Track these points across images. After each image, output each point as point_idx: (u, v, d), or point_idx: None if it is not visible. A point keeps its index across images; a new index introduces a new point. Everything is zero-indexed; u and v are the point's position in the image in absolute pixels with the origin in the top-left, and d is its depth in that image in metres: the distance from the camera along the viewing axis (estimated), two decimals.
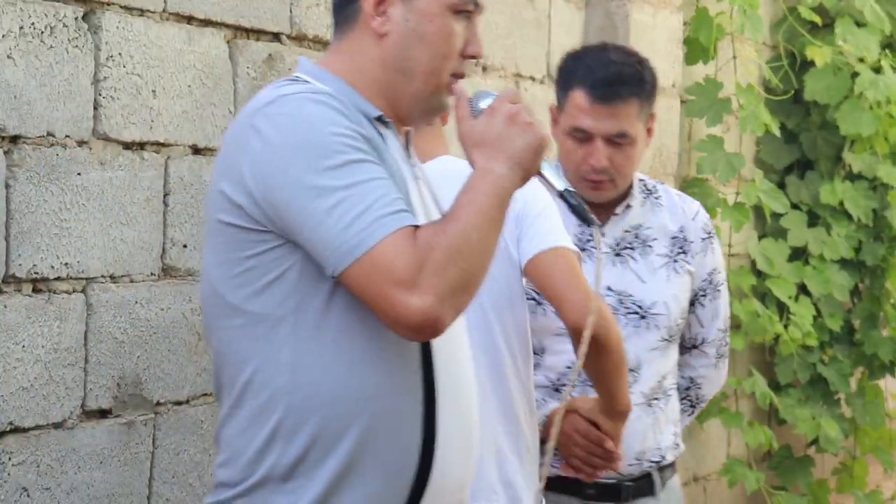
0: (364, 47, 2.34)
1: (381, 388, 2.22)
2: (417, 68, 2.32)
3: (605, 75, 3.25)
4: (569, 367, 3.24)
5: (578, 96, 3.26)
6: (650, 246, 3.38)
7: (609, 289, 3.32)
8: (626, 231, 3.38)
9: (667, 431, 3.38)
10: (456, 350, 2.33)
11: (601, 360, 3.05)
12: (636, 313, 3.33)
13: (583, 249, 3.23)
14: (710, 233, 3.48)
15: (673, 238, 3.42)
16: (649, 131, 3.42)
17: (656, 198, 3.46)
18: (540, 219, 3.12)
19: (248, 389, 2.24)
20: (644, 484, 3.35)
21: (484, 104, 2.31)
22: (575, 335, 2.97)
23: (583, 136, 3.27)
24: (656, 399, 3.34)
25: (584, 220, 2.35)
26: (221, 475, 2.29)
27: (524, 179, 2.26)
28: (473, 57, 2.35)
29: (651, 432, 3.33)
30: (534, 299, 3.21)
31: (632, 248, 3.37)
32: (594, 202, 3.29)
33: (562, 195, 2.34)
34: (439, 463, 2.26)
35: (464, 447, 2.32)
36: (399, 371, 2.24)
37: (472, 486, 3.03)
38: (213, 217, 2.27)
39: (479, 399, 3.00)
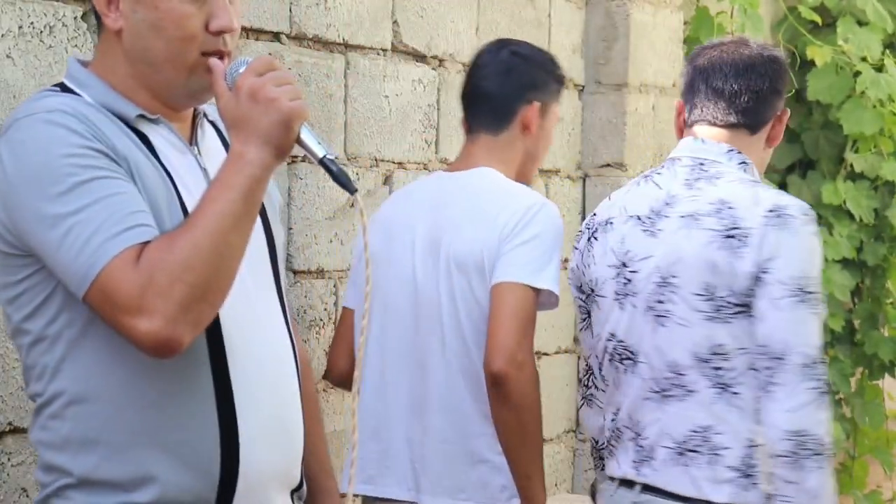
0: (111, 46, 2.32)
1: (164, 392, 2.23)
2: (158, 57, 2.28)
3: None
4: None
5: None
6: None
7: None
8: None
9: None
10: (254, 346, 2.32)
11: (502, 411, 3.15)
12: None
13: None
14: None
15: None
16: None
17: None
18: (523, 248, 3.17)
19: (43, 401, 2.27)
20: None
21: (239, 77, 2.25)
22: (488, 379, 3.12)
23: None
24: None
25: (346, 187, 2.23)
26: (36, 475, 2.33)
27: (280, 157, 2.19)
28: (221, 31, 2.28)
29: None
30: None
31: None
32: None
33: (321, 162, 2.23)
34: (247, 456, 2.27)
35: (273, 435, 2.32)
36: (183, 374, 2.23)
37: (441, 486, 3.24)
38: None
39: (450, 412, 3.22)
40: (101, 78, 2.31)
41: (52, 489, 2.26)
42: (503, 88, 3.43)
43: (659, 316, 2.96)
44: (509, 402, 3.14)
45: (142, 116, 2.30)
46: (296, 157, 3.67)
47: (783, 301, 2.83)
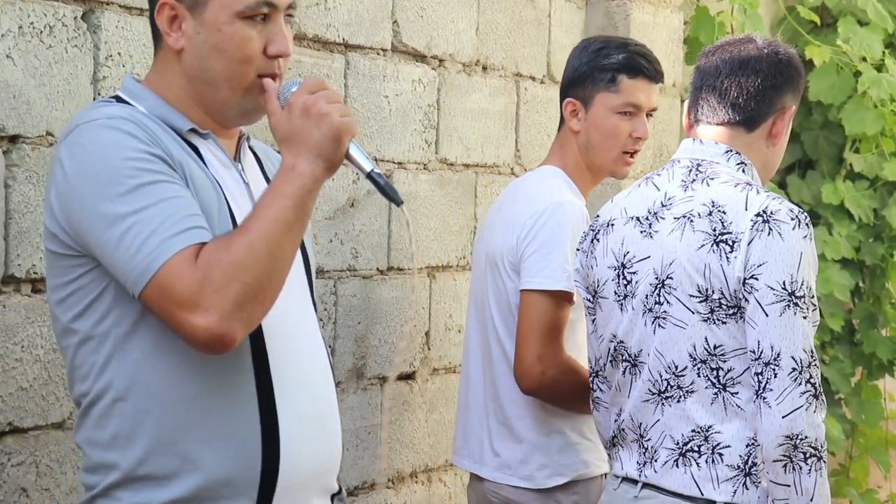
0: (169, 63, 2.43)
1: (207, 387, 2.32)
2: (217, 77, 2.40)
3: None
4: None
5: None
6: None
7: None
8: None
9: None
10: (294, 349, 2.42)
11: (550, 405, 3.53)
12: None
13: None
14: None
15: None
16: None
17: None
18: (536, 255, 3.46)
19: (89, 400, 2.36)
20: None
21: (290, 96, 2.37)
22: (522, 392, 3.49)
23: None
24: None
25: (393, 200, 2.36)
26: (82, 478, 2.41)
27: (330, 169, 2.31)
28: (278, 56, 2.40)
29: None
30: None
31: None
32: None
33: (369, 175, 2.35)
34: (287, 451, 2.35)
35: (313, 436, 2.41)
36: (226, 370, 2.32)
37: (491, 461, 3.59)
38: (44, 245, 2.39)
39: (502, 392, 3.56)
40: (155, 92, 2.42)
41: (99, 490, 2.35)
42: (560, 90, 3.76)
43: (657, 318, 2.96)
44: (552, 402, 3.52)
45: (193, 130, 2.42)
46: None
47: (772, 307, 2.84)
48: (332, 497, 2.51)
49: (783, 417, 2.82)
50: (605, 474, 3.53)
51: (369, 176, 2.35)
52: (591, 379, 3.21)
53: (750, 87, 3.04)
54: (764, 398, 2.84)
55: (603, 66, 3.62)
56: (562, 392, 3.47)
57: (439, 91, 4.24)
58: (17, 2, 2.86)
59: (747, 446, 2.91)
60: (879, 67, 5.69)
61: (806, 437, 2.82)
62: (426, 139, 4.20)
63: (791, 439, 2.82)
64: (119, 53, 3.09)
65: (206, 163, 2.41)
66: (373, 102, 3.97)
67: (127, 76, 2.49)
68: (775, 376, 2.83)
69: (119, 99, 2.44)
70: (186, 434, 2.31)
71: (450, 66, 4.29)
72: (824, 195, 5.82)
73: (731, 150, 3.04)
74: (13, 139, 2.87)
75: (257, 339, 2.35)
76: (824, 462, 2.85)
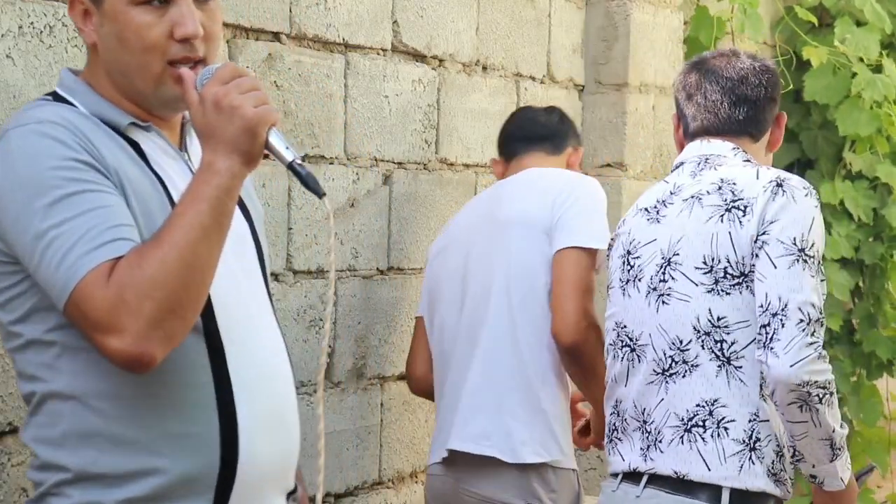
0: (93, 58, 2.36)
1: (163, 384, 2.23)
2: (127, 68, 2.30)
3: None
4: None
5: None
6: None
7: None
8: None
9: None
10: (250, 342, 2.34)
11: (575, 371, 3.59)
12: None
13: None
14: None
15: None
16: None
17: None
18: (579, 217, 3.59)
19: (38, 398, 2.29)
20: None
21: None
22: (560, 347, 3.54)
23: None
24: None
25: (314, 191, 2.23)
26: (30, 475, 2.35)
27: (249, 163, 2.19)
28: (186, 38, 2.28)
29: None
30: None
31: None
32: None
33: (290, 166, 2.22)
34: (246, 445, 2.28)
35: (272, 433, 2.34)
36: (182, 366, 2.24)
37: (465, 432, 3.60)
38: None
39: (487, 364, 3.60)
40: (91, 87, 2.34)
41: (47, 486, 2.27)
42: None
43: (661, 295, 3.00)
44: (581, 364, 3.55)
45: (134, 124, 2.32)
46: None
47: (781, 259, 2.87)
48: (288, 495, 2.45)
49: (791, 367, 2.83)
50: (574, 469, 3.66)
51: (290, 166, 2.21)
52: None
53: (755, 102, 3.14)
54: (771, 348, 2.84)
55: None
56: (597, 353, 3.45)
57: (439, 91, 4.24)
58: (17, 2, 2.86)
59: (750, 421, 2.94)
60: (877, 68, 5.69)
61: (816, 381, 2.84)
62: (426, 139, 4.20)
63: (802, 386, 2.84)
64: None
65: (147, 159, 2.30)
66: (373, 102, 3.96)
67: (64, 70, 2.40)
68: (783, 326, 2.84)
69: (56, 96, 2.34)
70: (142, 433, 2.24)
71: (450, 66, 4.29)
72: (823, 195, 5.81)
73: (738, 148, 3.12)
74: None
75: (212, 337, 2.28)
76: (835, 393, 2.90)
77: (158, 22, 2.27)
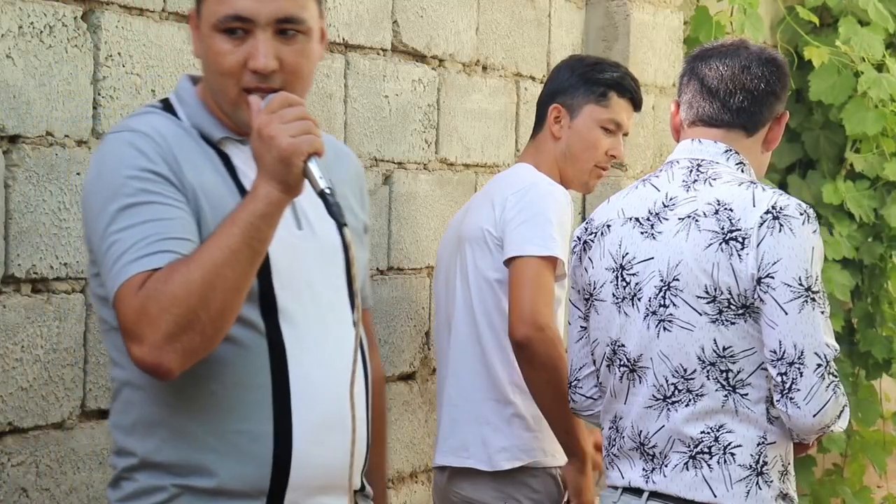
0: (202, 69, 2.49)
1: (223, 383, 2.35)
2: (214, 87, 2.44)
3: None
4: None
5: None
6: None
7: None
8: None
9: None
10: (319, 353, 2.41)
11: (531, 373, 3.50)
12: None
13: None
14: None
15: None
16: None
17: None
18: (525, 225, 3.54)
19: (117, 386, 2.45)
20: None
21: None
22: (513, 345, 3.49)
23: None
24: None
25: (337, 220, 2.28)
26: (111, 459, 2.49)
27: (288, 192, 2.28)
28: (256, 71, 2.37)
29: None
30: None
31: None
32: None
33: (321, 194, 2.27)
34: (300, 451, 2.37)
35: (330, 440, 2.39)
36: (242, 370, 2.35)
37: (447, 446, 3.69)
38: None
39: (460, 378, 3.65)
40: (200, 98, 2.47)
41: (119, 470, 2.42)
42: (541, 95, 3.87)
43: (662, 321, 2.94)
44: (535, 363, 3.47)
45: (228, 138, 2.44)
46: None
47: (790, 304, 2.83)
48: (356, 493, 2.50)
49: (814, 416, 2.84)
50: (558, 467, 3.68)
51: (321, 194, 2.27)
52: (568, 385, 3.19)
53: (753, 92, 3.05)
54: (791, 398, 2.84)
55: (597, 79, 3.77)
56: (554, 356, 3.43)
57: (439, 91, 4.24)
58: (17, 2, 2.86)
59: (758, 445, 2.91)
60: (880, 67, 5.69)
61: (835, 418, 2.89)
62: (426, 139, 4.20)
63: (824, 429, 2.89)
64: (119, 53, 3.09)
65: (236, 171, 2.41)
66: (373, 102, 3.97)
67: (184, 76, 2.53)
68: (801, 375, 2.83)
69: (166, 103, 2.48)
70: (199, 428, 2.35)
71: (450, 66, 4.29)
72: (825, 195, 5.82)
73: (731, 150, 3.03)
74: (13, 139, 2.87)
75: (276, 341, 2.37)
76: (847, 405, 2.94)
77: (235, 51, 2.38)
